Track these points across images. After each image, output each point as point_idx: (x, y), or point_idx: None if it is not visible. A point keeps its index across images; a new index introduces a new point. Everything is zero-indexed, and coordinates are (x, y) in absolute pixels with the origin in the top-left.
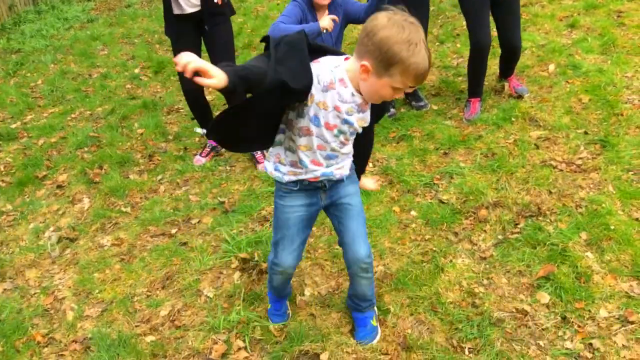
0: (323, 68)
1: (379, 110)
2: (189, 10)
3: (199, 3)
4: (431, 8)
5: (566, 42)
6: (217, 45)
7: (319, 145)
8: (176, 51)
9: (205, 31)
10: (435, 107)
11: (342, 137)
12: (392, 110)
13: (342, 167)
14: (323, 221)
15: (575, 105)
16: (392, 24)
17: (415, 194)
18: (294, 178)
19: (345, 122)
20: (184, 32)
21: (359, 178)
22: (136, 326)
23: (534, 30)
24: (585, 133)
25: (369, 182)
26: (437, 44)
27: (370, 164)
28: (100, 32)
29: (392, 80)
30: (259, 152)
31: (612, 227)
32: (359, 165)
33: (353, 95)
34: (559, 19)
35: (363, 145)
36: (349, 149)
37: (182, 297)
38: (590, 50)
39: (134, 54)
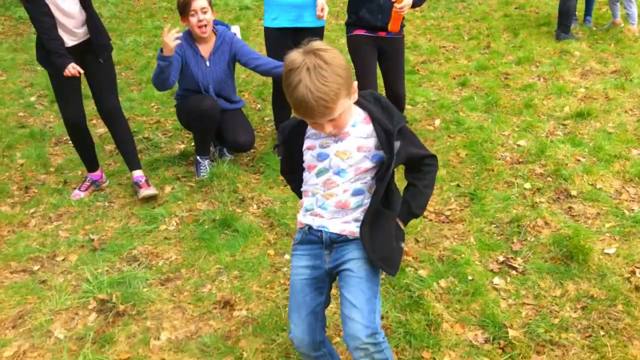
0: None
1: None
2: (71, 43)
3: (83, 34)
4: None
5: (455, 99)
6: (106, 79)
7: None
8: (57, 85)
9: (87, 64)
10: None
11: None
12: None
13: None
14: (193, 263)
15: (453, 159)
16: (292, 52)
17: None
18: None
19: (321, 156)
20: None
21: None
22: None
23: (428, 87)
24: (458, 186)
25: None
26: None
27: (255, 206)
28: (2, 57)
29: None
30: (142, 179)
31: (470, 278)
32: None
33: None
34: (453, 77)
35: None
36: (356, 201)
37: (31, 338)
38: (475, 108)
39: (32, 82)
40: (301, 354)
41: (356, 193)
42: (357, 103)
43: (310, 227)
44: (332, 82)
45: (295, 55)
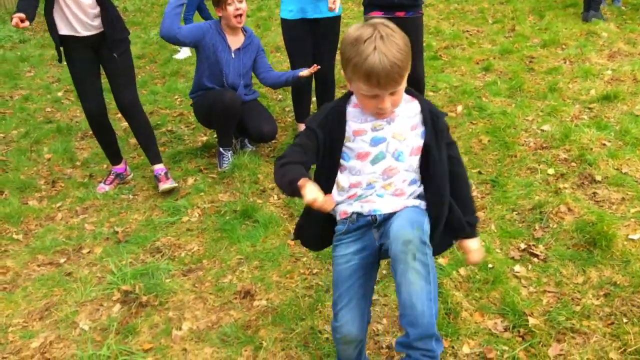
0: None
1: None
2: (84, 33)
3: (98, 27)
4: None
5: (478, 84)
6: (122, 74)
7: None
8: (75, 74)
9: (103, 58)
10: None
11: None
12: None
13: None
14: (215, 254)
15: (475, 146)
16: (354, 27)
17: None
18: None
19: (376, 141)
20: (78, 55)
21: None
22: (4, 358)
23: (451, 72)
24: (480, 173)
25: (473, 246)
26: None
27: (275, 196)
28: (30, 53)
29: (356, 86)
30: (162, 172)
31: (490, 266)
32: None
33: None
34: (476, 62)
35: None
36: (411, 191)
37: (57, 329)
38: (498, 93)
39: (59, 77)
40: (342, 344)
41: (412, 183)
42: None
43: (359, 214)
44: (403, 49)
45: (361, 29)
